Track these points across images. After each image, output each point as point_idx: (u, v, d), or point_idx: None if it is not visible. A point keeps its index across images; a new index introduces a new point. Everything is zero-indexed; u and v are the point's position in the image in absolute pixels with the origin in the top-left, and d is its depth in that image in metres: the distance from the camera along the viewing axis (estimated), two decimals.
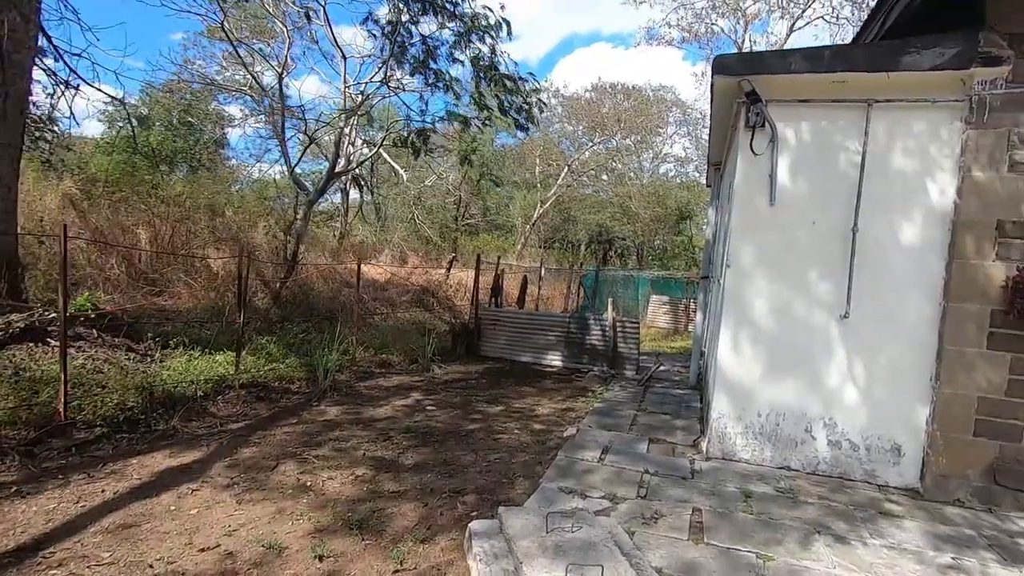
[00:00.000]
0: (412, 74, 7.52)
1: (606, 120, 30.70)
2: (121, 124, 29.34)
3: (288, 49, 12.62)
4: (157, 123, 27.11)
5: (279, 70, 12.55)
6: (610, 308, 9.02)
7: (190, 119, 27.52)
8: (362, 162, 13.45)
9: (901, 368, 4.46)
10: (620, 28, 57.65)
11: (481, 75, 6.70)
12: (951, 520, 3.95)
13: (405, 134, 7.96)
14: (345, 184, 30.43)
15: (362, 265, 14.80)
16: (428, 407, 6.44)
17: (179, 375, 5.62)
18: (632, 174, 35.61)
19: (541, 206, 32.48)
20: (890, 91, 4.41)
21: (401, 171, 30.60)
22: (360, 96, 13.33)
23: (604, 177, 35.20)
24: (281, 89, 12.46)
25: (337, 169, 13.34)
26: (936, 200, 4.39)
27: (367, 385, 7.21)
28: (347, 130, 12.50)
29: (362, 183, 33.26)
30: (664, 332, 15.36)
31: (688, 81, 55.20)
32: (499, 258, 11.45)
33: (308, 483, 4.01)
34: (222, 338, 7.26)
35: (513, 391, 7.60)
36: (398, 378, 7.82)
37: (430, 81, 7.29)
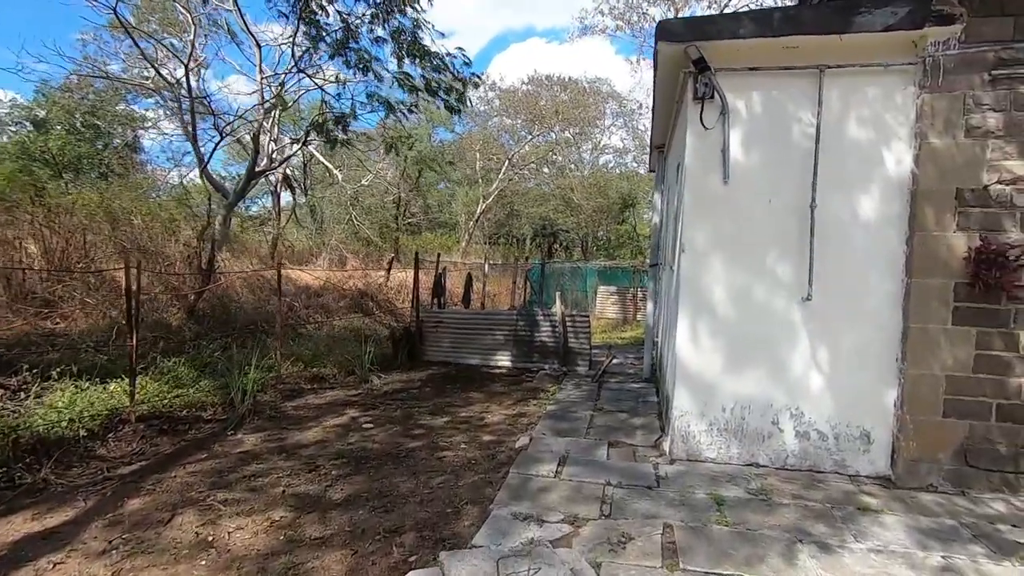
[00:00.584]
0: (331, 57, 6.77)
1: (544, 112, 30.47)
2: (14, 129, 26.54)
3: (194, 36, 11.45)
4: (57, 126, 24.66)
5: (185, 61, 11.37)
6: (558, 302, 8.59)
7: (96, 122, 25.21)
8: (285, 159, 12.46)
9: (867, 351, 4.21)
10: (554, 23, 57.76)
11: (404, 51, 6.06)
12: (929, 510, 3.70)
13: (320, 122, 7.19)
14: (276, 186, 28.83)
15: (295, 271, 13.80)
16: (364, 425, 5.77)
17: (58, 413, 4.71)
18: (573, 166, 35.61)
19: (483, 201, 31.95)
20: (843, 55, 4.12)
21: (335, 171, 29.33)
22: (278, 87, 12.33)
23: (545, 170, 35.04)
24: (188, 82, 11.29)
25: (258, 168, 12.30)
26: (893, 171, 4.14)
27: (295, 405, 6.44)
28: (267, 125, 11.50)
29: (294, 184, 31.64)
30: (614, 323, 15.17)
31: (623, 73, 55.99)
32: (439, 256, 10.81)
33: (210, 537, 3.31)
34: (122, 364, 6.32)
35: (460, 398, 7.02)
36: (332, 393, 7.09)
37: (351, 63, 6.57)
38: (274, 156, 12.92)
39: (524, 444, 5.04)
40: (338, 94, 7.39)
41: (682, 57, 4.32)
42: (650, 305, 8.20)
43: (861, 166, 4.19)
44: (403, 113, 6.68)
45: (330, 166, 29.43)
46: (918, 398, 4.04)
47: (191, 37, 11.57)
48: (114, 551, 3.14)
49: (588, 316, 8.66)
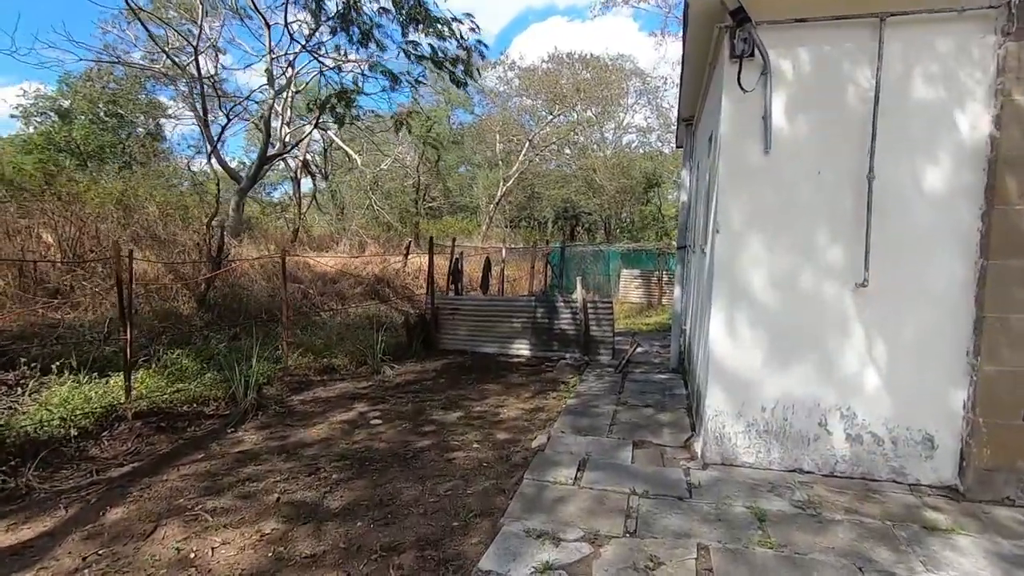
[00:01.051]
0: (333, 32, 6.36)
1: (565, 91, 29.61)
2: (39, 119, 26.80)
3: (201, 18, 11.14)
4: (81, 116, 24.85)
5: (195, 43, 11.08)
6: (579, 288, 8.13)
7: (119, 111, 25.31)
8: (296, 143, 12.16)
9: (931, 344, 3.67)
10: (575, 1, 55.97)
11: (407, 16, 5.60)
12: (1010, 530, 3.20)
13: (323, 99, 6.80)
14: (296, 172, 28.75)
15: (310, 258, 13.56)
16: (373, 420, 5.45)
17: (48, 411, 4.48)
18: (596, 147, 34.75)
19: (504, 184, 31.38)
20: (907, 1, 3.53)
21: (355, 155, 29.11)
22: (286, 66, 11.99)
23: (567, 151, 34.20)
24: (197, 65, 11.02)
25: (270, 153, 12.02)
26: (967, 135, 3.56)
27: (302, 399, 6.16)
28: (277, 107, 11.18)
29: (314, 170, 31.59)
30: (638, 307, 14.63)
31: (647, 50, 54.20)
32: (454, 240, 10.41)
33: (192, 554, 3.01)
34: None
35: (475, 391, 6.66)
36: (342, 385, 6.79)
37: (354, 38, 6.14)
38: (287, 140, 12.62)
39: (541, 444, 4.64)
40: (338, 66, 6.97)
41: (717, 8, 3.77)
42: (677, 290, 7.68)
43: (928, 130, 3.62)
44: (410, 85, 6.25)
45: (350, 151, 29.23)
46: (993, 398, 3.51)
47: (199, 20, 11.25)
48: (87, 569, 2.86)
49: (611, 303, 8.19)
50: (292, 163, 29.24)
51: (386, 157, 31.60)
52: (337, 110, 6.80)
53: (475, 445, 4.73)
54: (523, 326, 8.63)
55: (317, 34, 7.37)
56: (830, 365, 3.84)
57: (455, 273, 11.15)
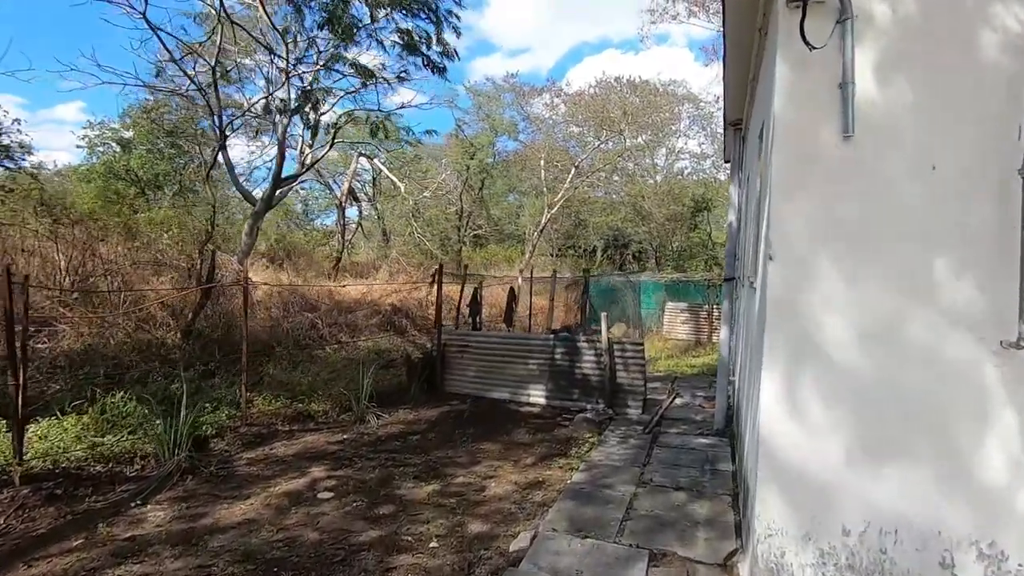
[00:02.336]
0: (321, 27, 5.54)
1: (612, 116, 28.62)
2: (102, 149, 28.04)
3: (220, 37, 10.78)
4: (140, 146, 25.79)
5: (211, 61, 10.72)
6: (604, 326, 6.82)
7: (176, 141, 26.15)
8: (313, 164, 11.55)
9: None
10: (629, 34, 55.24)
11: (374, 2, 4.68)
12: None
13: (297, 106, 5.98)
14: (341, 200, 28.88)
15: (319, 286, 12.82)
16: (323, 493, 4.32)
17: None
18: (645, 173, 33.44)
19: (548, 211, 30.42)
20: None
21: (399, 182, 29.06)
22: (299, 85, 11.47)
23: (616, 178, 32.98)
24: (216, 83, 10.62)
25: (286, 174, 11.46)
26: None
27: (253, 457, 5.10)
28: (283, 123, 10.60)
29: (358, 197, 31.78)
30: (683, 345, 13.03)
31: (701, 79, 52.59)
32: (465, 268, 9.33)
33: None
34: (66, 398, 5.32)
35: (467, 451, 5.43)
36: (311, 438, 5.72)
37: (339, 34, 5.28)
38: (305, 161, 12.07)
39: (521, 548, 3.35)
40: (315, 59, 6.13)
41: None
42: (724, 331, 6.24)
43: None
44: (387, 84, 5.31)
45: (394, 178, 29.22)
46: None
47: (218, 40, 10.92)
48: None
49: (641, 345, 6.81)
50: (337, 190, 29.46)
51: (430, 184, 31.42)
52: (307, 113, 5.96)
53: (433, 544, 3.49)
54: (539, 369, 7.36)
55: (308, 44, 6.64)
56: (959, 470, 2.41)
57: (473, 305, 10.05)
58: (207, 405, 5.74)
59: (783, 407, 2.65)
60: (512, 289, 10.94)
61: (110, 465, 4.49)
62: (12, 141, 18.71)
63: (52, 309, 7.52)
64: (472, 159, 30.89)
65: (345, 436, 5.81)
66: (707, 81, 51.51)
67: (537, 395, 7.32)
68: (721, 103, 5.83)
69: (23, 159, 18.97)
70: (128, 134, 27.05)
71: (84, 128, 25.62)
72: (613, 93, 29.79)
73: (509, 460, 5.19)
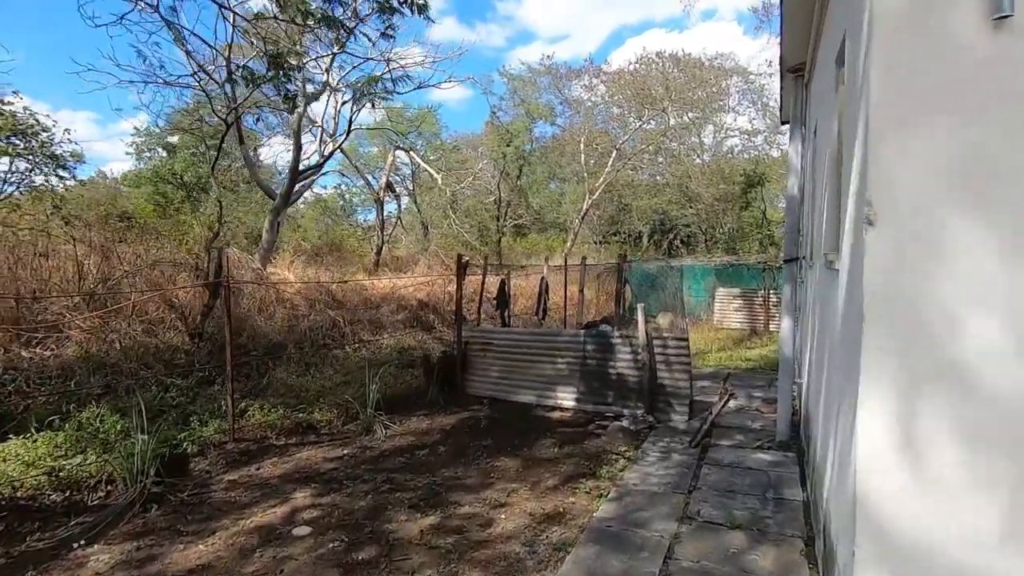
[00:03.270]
0: None
1: (654, 94, 27.06)
2: (148, 154, 28.75)
3: (233, 23, 10.33)
4: (184, 149, 26.25)
5: (223, 51, 10.31)
6: (641, 319, 5.88)
7: (219, 143, 26.46)
8: (329, 155, 10.99)
9: None
10: (674, 12, 52.39)
11: None
12: None
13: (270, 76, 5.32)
14: (379, 193, 28.76)
15: (354, 280, 12.32)
16: (299, 527, 3.65)
17: None
18: (694, 152, 31.68)
19: (589, 196, 29.24)
20: None
21: (436, 174, 28.64)
22: (325, 73, 10.91)
23: (660, 160, 31.34)
24: (230, 73, 10.20)
25: (303, 166, 10.97)
26: None
27: (235, 478, 4.50)
28: (299, 112, 10.07)
29: (396, 191, 31.62)
30: (736, 335, 11.81)
31: (751, 52, 49.52)
32: (486, 258, 8.53)
33: None
34: (47, 410, 4.89)
35: (479, 470, 4.67)
36: (306, 454, 5.09)
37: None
38: (324, 150, 11.55)
39: None
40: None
41: None
42: (786, 323, 5.18)
43: None
44: (370, 42, 4.55)
45: (431, 170, 28.88)
46: None
47: (231, 25, 10.48)
48: None
49: (686, 340, 5.83)
50: (375, 184, 29.32)
51: (467, 175, 30.88)
52: (282, 82, 5.31)
53: None
54: (569, 368, 6.51)
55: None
56: None
57: (501, 297, 9.27)
58: (194, 417, 5.22)
59: (893, 453, 1.72)
60: (543, 280, 10.07)
61: (69, 493, 3.97)
62: (64, 151, 19.22)
63: (59, 315, 7.24)
64: (508, 146, 30.04)
65: (345, 451, 5.15)
66: (758, 48, 48.56)
67: (567, 398, 6.48)
68: (775, 64, 4.76)
69: (75, 167, 19.43)
70: (174, 139, 27.59)
71: (132, 136, 26.23)
72: (654, 69, 28.22)
73: (527, 482, 4.39)
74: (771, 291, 12.10)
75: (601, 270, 8.54)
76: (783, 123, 6.71)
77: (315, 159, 13.04)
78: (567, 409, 6.42)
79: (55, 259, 8.33)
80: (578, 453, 5.04)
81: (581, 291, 7.23)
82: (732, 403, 6.19)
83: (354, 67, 11.94)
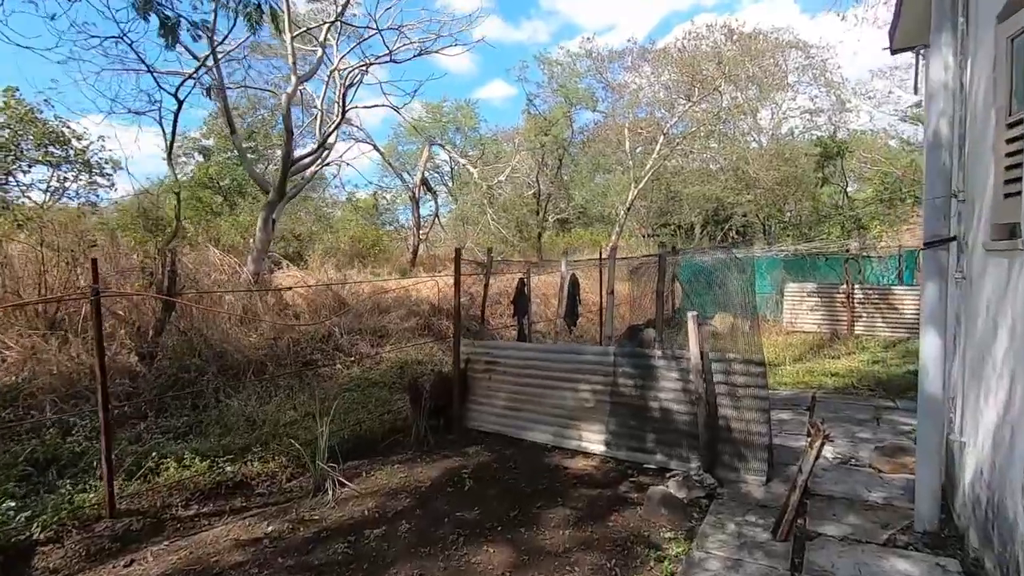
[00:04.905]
0: None
1: (705, 71, 24.67)
2: (184, 159, 28.58)
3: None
4: (221, 154, 25.91)
5: (208, 35, 9.12)
6: (693, 332, 4.11)
7: (252, 143, 26.06)
8: (324, 139, 9.60)
9: None
10: None
11: None
12: None
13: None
14: (414, 191, 27.72)
15: (356, 281, 10.96)
16: None
17: None
18: (752, 135, 29.04)
19: (635, 186, 27.15)
20: None
21: (472, 168, 27.33)
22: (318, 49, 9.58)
23: (712, 144, 28.80)
24: (215, 55, 9.02)
25: (296, 154, 9.68)
26: None
27: None
28: (294, 94, 8.76)
29: (431, 187, 30.55)
30: (813, 340, 9.68)
31: (810, 32, 45.46)
32: (490, 251, 6.83)
33: None
34: None
35: (449, 571, 3.08)
36: (217, 531, 3.63)
37: None
38: (327, 139, 10.23)
39: None
40: None
41: None
42: (931, 341, 3.27)
43: None
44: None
45: (467, 163, 27.61)
46: None
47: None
48: None
49: (761, 366, 4.01)
50: (409, 181, 28.26)
51: (503, 168, 29.33)
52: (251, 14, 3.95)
53: None
54: (596, 398, 4.82)
55: None
56: None
57: (519, 301, 7.64)
58: (83, 475, 3.87)
59: None
60: (574, 277, 8.36)
61: None
62: (100, 158, 18.91)
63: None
64: (547, 135, 28.24)
65: (271, 527, 3.66)
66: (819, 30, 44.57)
67: (592, 440, 4.79)
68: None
69: (112, 173, 19.08)
70: (208, 142, 27.24)
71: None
72: (704, 45, 25.80)
73: None
74: (856, 285, 9.92)
75: (639, 263, 6.69)
76: (892, 51, 4.78)
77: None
78: (592, 456, 4.73)
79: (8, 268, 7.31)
80: (600, 538, 3.37)
81: (610, 292, 5.49)
82: (829, 451, 4.34)
83: (360, 40, 10.58)
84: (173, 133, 7.85)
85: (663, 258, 5.49)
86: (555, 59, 27.86)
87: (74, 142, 17.39)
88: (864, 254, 10.13)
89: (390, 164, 29.26)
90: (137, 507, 3.76)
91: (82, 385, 5.60)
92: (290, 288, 9.16)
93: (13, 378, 5.64)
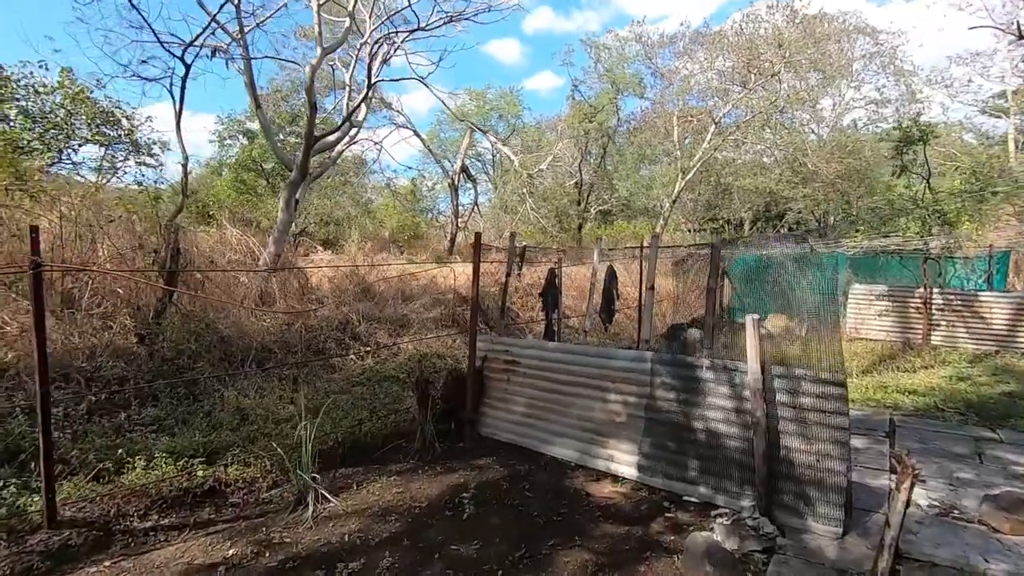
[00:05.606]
0: None
1: (762, 53, 23.17)
2: (229, 141, 28.94)
3: None
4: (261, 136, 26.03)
5: None
6: (752, 341, 3.29)
7: (297, 128, 26.13)
8: (348, 116, 9.03)
9: None
10: None
11: None
12: None
13: None
14: (453, 178, 27.25)
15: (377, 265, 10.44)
16: None
17: None
18: (813, 125, 27.32)
19: (682, 177, 25.96)
20: None
21: (513, 156, 26.62)
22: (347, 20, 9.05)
23: (768, 134, 27.19)
24: (240, 23, 8.60)
25: (318, 132, 9.19)
26: None
27: None
28: (318, 66, 8.23)
29: (471, 175, 30.07)
30: (883, 350, 8.53)
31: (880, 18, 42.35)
32: (513, 236, 6.09)
33: None
34: None
35: None
36: (175, 548, 3.05)
37: None
38: (353, 115, 9.71)
39: None
40: None
41: None
42: None
43: None
44: None
45: (507, 151, 26.94)
46: None
47: None
48: None
49: (843, 387, 3.16)
50: (449, 169, 27.80)
51: (544, 156, 28.47)
52: None
53: None
54: (628, 412, 4.07)
55: None
56: None
57: (550, 294, 6.92)
58: (22, 480, 3.40)
59: None
60: (611, 269, 7.56)
61: None
62: (147, 139, 19.06)
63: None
64: (591, 123, 27.21)
65: (232, 551, 3.10)
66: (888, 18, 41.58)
67: (623, 460, 4.05)
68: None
69: (160, 153, 19.21)
70: (254, 125, 27.42)
71: (215, 123, 26.34)
72: (763, 29, 24.24)
73: None
74: (935, 288, 8.71)
75: (686, 255, 5.77)
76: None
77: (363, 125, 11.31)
78: (621, 480, 3.99)
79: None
80: None
81: (650, 287, 4.69)
82: (923, 495, 3.46)
83: (391, 14, 9.98)
84: (182, 100, 7.45)
85: (716, 248, 4.64)
86: (602, 43, 26.68)
87: (124, 122, 17.58)
88: (947, 254, 8.90)
89: (430, 150, 28.83)
90: (85, 516, 3.26)
91: (75, 367, 5.24)
92: (299, 268, 8.70)
93: (11, 355, 5.34)
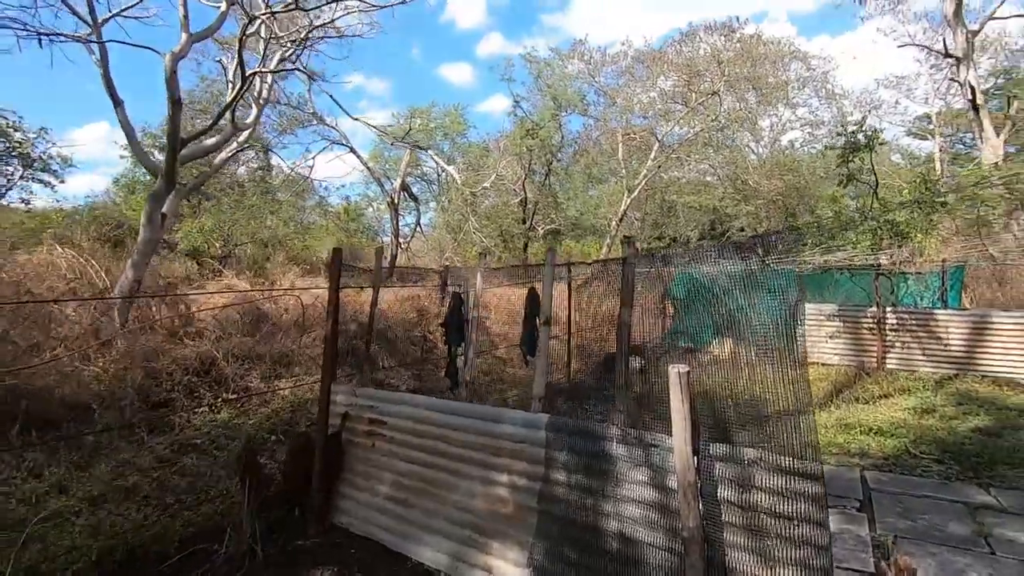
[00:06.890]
0: None
1: (701, 67, 23.27)
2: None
3: None
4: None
5: None
6: (677, 405, 2.15)
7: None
8: (223, 112, 7.63)
9: None
10: (724, 14, 47.78)
11: None
12: None
13: None
14: (392, 196, 25.73)
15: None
16: None
17: None
18: (753, 144, 27.69)
19: (628, 195, 25.63)
20: None
21: (454, 173, 25.51)
22: None
23: (710, 151, 27.35)
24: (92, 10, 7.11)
25: (185, 135, 7.76)
26: None
27: None
28: (183, 54, 6.84)
29: (412, 194, 28.71)
30: (837, 378, 7.66)
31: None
32: (379, 250, 4.85)
33: None
34: None
35: None
36: None
37: None
38: (241, 122, 8.29)
39: None
40: None
41: None
42: None
43: None
44: None
45: (448, 167, 25.78)
46: None
47: None
48: None
49: (819, 480, 2.06)
50: (388, 186, 26.34)
51: (487, 174, 27.53)
52: None
53: None
54: (516, 498, 2.84)
55: None
56: None
57: (450, 321, 5.68)
58: None
59: None
60: (532, 290, 6.40)
61: None
62: (44, 153, 16.46)
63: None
64: (534, 139, 26.51)
65: None
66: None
67: (506, 572, 2.80)
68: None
69: (63, 171, 16.59)
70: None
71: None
72: (703, 48, 24.46)
73: None
74: (889, 307, 7.98)
75: (599, 273, 4.57)
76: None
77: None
78: None
79: None
80: None
81: (545, 323, 3.46)
82: None
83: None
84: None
85: (630, 265, 3.47)
86: (544, 60, 26.16)
87: (13, 134, 15.17)
88: (900, 270, 8.24)
89: (368, 167, 27.37)
90: None
91: None
92: (157, 296, 7.16)
93: None
